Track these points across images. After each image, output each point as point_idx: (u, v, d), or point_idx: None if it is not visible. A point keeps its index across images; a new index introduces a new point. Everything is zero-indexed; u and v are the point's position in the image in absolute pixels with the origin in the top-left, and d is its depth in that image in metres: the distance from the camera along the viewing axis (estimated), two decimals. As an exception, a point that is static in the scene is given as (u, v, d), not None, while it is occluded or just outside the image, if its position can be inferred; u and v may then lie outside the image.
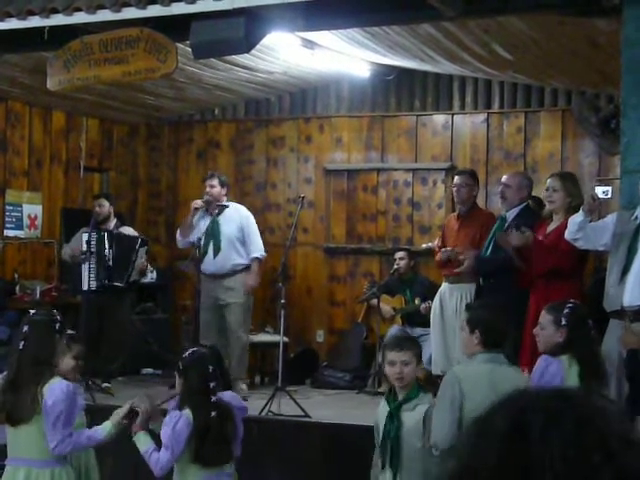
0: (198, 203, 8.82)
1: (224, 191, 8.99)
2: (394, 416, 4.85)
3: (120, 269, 9.03)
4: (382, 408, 4.99)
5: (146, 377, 9.89)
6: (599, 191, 5.80)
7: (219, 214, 8.86)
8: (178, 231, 9.06)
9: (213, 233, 8.76)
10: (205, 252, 8.71)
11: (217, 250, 8.72)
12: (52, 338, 4.91)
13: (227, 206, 8.96)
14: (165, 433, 4.79)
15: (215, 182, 8.91)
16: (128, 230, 9.43)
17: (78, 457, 5.11)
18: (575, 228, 5.98)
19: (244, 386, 8.65)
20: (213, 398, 4.79)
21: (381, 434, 4.91)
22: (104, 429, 4.97)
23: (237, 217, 8.93)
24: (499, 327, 4.81)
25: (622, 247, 5.71)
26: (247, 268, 8.81)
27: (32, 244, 10.72)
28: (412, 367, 4.87)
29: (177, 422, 4.76)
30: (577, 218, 5.99)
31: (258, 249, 8.88)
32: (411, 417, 4.83)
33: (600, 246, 6.03)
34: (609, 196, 5.78)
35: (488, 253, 7.41)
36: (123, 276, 9.03)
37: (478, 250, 7.52)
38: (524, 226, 6.78)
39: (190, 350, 5.03)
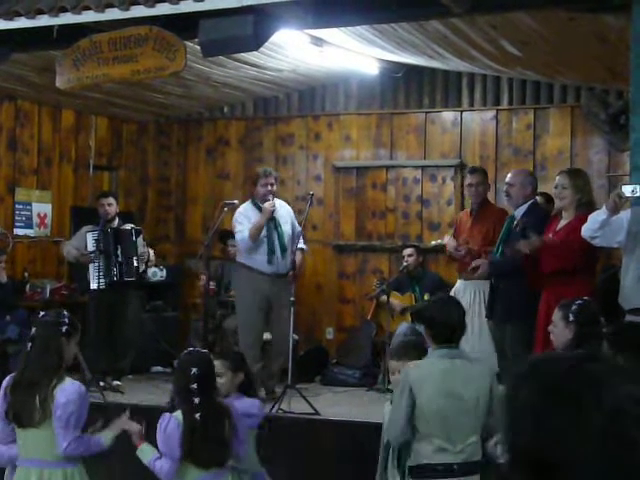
0: (272, 204, 8.35)
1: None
2: None
3: (128, 264, 9.06)
4: (387, 408, 5.01)
5: (156, 375, 9.90)
6: (627, 189, 5.73)
7: (274, 212, 8.44)
8: (248, 234, 8.33)
9: (278, 232, 8.39)
10: (273, 252, 8.33)
11: (284, 250, 8.37)
12: (58, 340, 4.89)
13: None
14: (159, 439, 4.83)
15: (274, 180, 8.51)
16: (128, 227, 9.44)
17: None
18: (596, 226, 5.88)
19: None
20: (196, 400, 4.79)
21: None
22: (107, 437, 4.97)
23: (287, 214, 8.62)
24: (443, 323, 4.76)
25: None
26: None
27: (42, 243, 10.75)
28: None
29: (167, 426, 4.79)
30: (599, 216, 5.87)
31: (304, 241, 8.76)
32: None
33: (615, 243, 5.98)
34: (638, 194, 5.71)
35: (499, 253, 7.40)
36: (132, 270, 9.06)
37: (490, 256, 7.50)
38: (532, 224, 6.75)
39: (184, 352, 5.05)
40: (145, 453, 4.89)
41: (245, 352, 8.39)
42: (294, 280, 8.37)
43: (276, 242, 8.36)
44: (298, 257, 8.55)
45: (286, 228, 8.47)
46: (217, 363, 5.15)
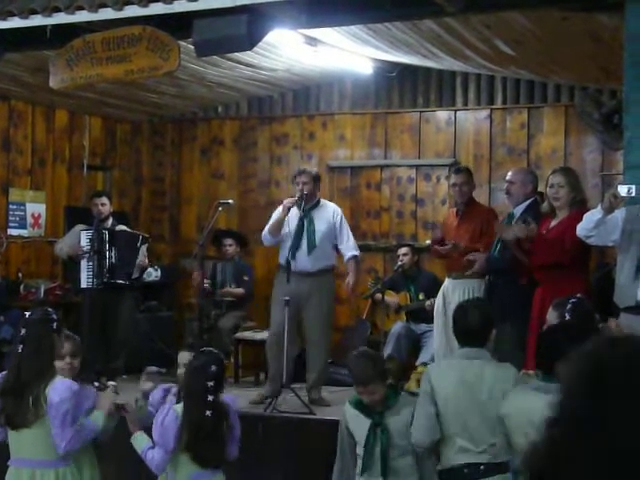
0: (290, 201, 8.28)
1: (317, 187, 8.53)
2: (380, 425, 4.93)
3: (123, 267, 9.06)
4: (355, 416, 5.07)
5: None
6: (622, 189, 5.74)
7: (311, 210, 8.36)
8: (267, 229, 8.39)
9: (308, 229, 8.28)
10: (297, 248, 8.21)
11: (311, 247, 8.23)
12: (50, 338, 4.89)
13: (319, 202, 8.49)
14: (155, 430, 4.86)
15: (308, 178, 8.37)
16: (123, 229, 9.43)
17: (78, 458, 5.01)
18: (591, 225, 5.88)
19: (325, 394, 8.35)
20: (210, 397, 4.81)
21: (363, 443, 4.98)
22: (98, 418, 4.97)
23: (328, 215, 8.46)
24: (468, 325, 4.79)
25: (634, 244, 5.68)
26: (332, 269, 8.49)
27: (36, 243, 10.74)
28: (379, 393, 4.99)
29: (165, 418, 4.81)
30: (594, 216, 5.87)
31: (353, 247, 8.50)
32: (398, 421, 4.94)
33: (610, 242, 5.98)
34: (633, 194, 5.72)
35: (497, 251, 7.40)
36: (125, 274, 9.06)
37: (488, 252, 7.51)
38: (532, 221, 6.76)
39: (200, 350, 5.10)
40: (139, 442, 4.92)
41: (266, 352, 8.41)
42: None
43: (303, 239, 8.26)
44: (351, 267, 8.47)
45: (320, 227, 8.34)
46: (185, 354, 5.26)
